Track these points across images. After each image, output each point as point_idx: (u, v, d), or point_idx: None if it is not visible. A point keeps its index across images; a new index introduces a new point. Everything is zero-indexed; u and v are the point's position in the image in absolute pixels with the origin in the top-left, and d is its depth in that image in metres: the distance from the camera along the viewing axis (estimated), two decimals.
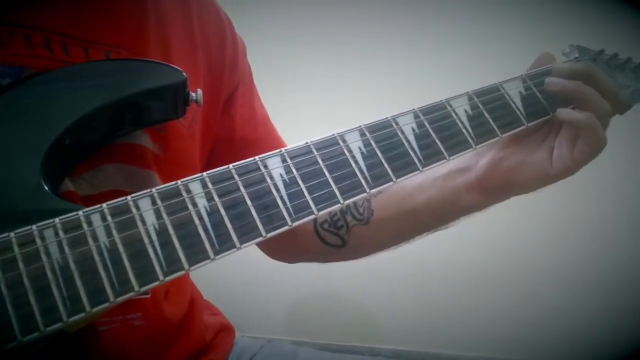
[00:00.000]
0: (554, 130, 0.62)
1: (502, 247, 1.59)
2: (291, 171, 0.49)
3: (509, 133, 0.59)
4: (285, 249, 0.80)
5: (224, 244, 0.44)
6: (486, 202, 0.65)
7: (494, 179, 0.62)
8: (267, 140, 0.76)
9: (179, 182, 0.46)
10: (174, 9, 0.68)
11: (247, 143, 0.74)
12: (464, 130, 0.57)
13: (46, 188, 0.46)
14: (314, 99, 1.73)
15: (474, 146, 0.57)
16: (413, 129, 0.55)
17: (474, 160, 0.65)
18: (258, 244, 0.46)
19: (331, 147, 0.51)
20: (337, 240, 0.73)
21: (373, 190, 0.51)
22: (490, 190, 0.63)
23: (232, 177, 0.47)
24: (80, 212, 0.42)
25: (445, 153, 0.55)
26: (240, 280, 1.62)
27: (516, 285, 1.61)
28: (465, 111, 0.58)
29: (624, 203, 1.55)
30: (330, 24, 1.74)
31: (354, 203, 0.70)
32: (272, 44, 1.74)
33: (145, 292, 0.59)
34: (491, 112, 0.59)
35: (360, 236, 0.72)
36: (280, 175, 0.48)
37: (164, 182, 0.46)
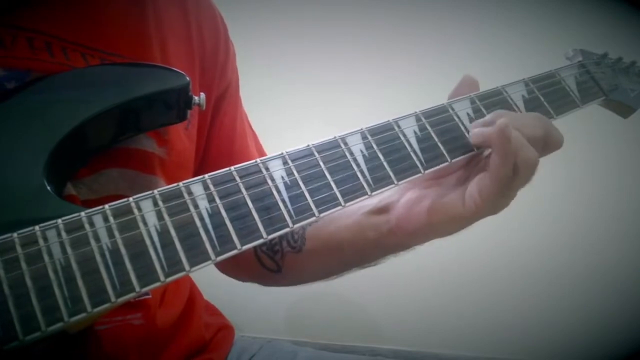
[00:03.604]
0: (477, 169, 0.57)
1: (503, 248, 1.59)
2: (292, 173, 0.49)
3: None
4: (231, 267, 0.80)
5: (225, 245, 0.44)
6: (408, 243, 0.61)
7: (412, 220, 0.57)
8: (241, 155, 0.75)
9: (180, 183, 0.46)
10: (172, 9, 0.68)
11: (221, 154, 0.74)
12: (467, 134, 0.57)
13: (49, 189, 0.47)
14: (316, 101, 1.72)
15: (475, 150, 0.57)
16: (415, 132, 0.55)
17: (395, 197, 0.60)
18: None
19: (332, 149, 0.52)
20: (273, 264, 0.72)
21: (374, 193, 0.51)
22: (409, 232, 0.58)
23: (234, 179, 0.47)
24: (83, 213, 0.42)
25: (447, 156, 0.55)
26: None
27: (517, 286, 1.61)
28: (468, 114, 0.58)
29: (628, 206, 1.55)
30: (332, 25, 1.74)
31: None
32: (273, 45, 1.74)
33: (146, 293, 0.60)
34: None
35: (292, 264, 0.71)
36: (282, 177, 0.49)
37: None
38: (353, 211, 0.63)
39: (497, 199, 0.53)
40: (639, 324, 1.48)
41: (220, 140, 0.74)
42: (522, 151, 0.52)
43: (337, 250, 0.66)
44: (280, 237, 0.70)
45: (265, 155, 0.51)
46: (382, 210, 0.61)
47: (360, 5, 1.73)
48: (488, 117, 0.56)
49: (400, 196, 0.60)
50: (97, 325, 0.55)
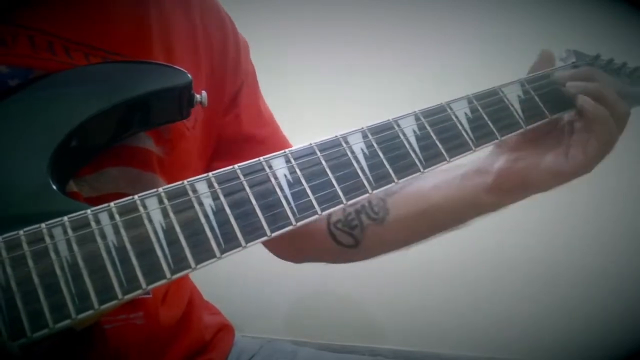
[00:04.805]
0: (567, 132, 0.64)
1: (504, 248, 1.60)
2: (295, 171, 0.50)
3: (507, 135, 0.60)
4: (294, 247, 0.79)
5: (229, 242, 0.45)
6: (503, 202, 0.66)
7: (511, 179, 0.64)
8: (273, 139, 0.76)
9: (185, 181, 0.46)
10: (176, 9, 0.68)
11: (254, 142, 0.74)
12: (464, 133, 0.58)
13: (54, 187, 0.47)
14: (316, 101, 1.73)
15: (473, 148, 0.58)
16: (414, 131, 0.56)
17: (489, 161, 0.66)
18: (265, 243, 0.46)
19: (334, 148, 0.52)
20: (350, 240, 0.72)
21: (375, 191, 0.52)
22: (507, 190, 0.65)
23: (238, 177, 0.48)
24: (89, 211, 0.43)
25: (445, 155, 0.56)
26: (240, 280, 1.62)
27: (517, 286, 1.61)
28: (465, 114, 0.59)
29: (625, 207, 1.55)
30: (332, 25, 1.74)
31: (369, 202, 0.71)
32: (273, 45, 1.74)
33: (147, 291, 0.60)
34: (490, 115, 0.60)
35: (375, 236, 0.71)
36: (285, 175, 0.49)
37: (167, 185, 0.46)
38: (442, 176, 0.67)
39: (598, 158, 0.61)
40: (639, 324, 1.48)
41: (251, 130, 0.75)
42: (618, 106, 0.61)
43: (428, 215, 0.69)
44: (358, 211, 0.72)
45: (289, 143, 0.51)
46: (477, 172, 0.66)
47: (360, 5, 1.73)
48: (583, 71, 0.65)
49: (494, 160, 0.66)
50: (101, 324, 0.56)
